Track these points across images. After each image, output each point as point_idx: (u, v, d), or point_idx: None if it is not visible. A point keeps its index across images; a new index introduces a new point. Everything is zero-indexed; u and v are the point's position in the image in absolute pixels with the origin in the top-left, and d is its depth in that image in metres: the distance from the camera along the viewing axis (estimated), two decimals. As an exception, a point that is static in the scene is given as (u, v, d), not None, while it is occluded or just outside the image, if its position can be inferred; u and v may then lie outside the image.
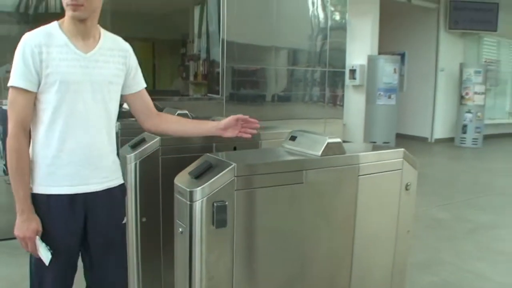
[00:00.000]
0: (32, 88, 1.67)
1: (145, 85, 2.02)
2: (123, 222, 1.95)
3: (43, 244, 1.73)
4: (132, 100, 2.00)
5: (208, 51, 4.88)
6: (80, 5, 1.68)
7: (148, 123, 2.07)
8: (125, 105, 4.30)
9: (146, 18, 5.81)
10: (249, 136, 2.21)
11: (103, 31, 1.86)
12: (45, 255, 1.73)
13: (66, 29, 1.74)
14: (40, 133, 1.73)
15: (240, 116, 2.13)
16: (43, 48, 1.68)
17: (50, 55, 1.68)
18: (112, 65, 1.85)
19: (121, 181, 1.95)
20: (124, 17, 5.50)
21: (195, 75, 5.25)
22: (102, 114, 1.81)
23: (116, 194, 1.91)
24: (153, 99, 4.41)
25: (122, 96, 1.94)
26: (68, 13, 1.71)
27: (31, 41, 1.68)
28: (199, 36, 5.17)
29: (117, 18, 5.34)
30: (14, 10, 3.83)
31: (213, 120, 2.17)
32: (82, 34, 1.76)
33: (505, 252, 4.00)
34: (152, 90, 6.01)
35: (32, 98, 1.69)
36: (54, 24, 1.76)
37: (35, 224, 1.70)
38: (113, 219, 1.90)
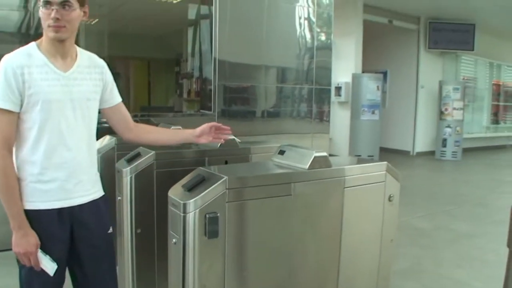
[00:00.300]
0: (15, 108, 1.67)
1: (121, 99, 2.05)
2: (109, 231, 1.96)
3: (47, 256, 1.74)
4: (110, 114, 2.02)
5: (200, 69, 4.91)
6: (62, 27, 1.70)
7: (127, 135, 2.09)
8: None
9: (142, 38, 5.85)
10: (222, 141, 2.32)
11: (79, 49, 1.88)
12: (50, 266, 1.75)
13: (45, 49, 1.75)
14: (25, 151, 1.73)
15: (214, 123, 2.21)
16: (25, 69, 1.68)
17: (31, 76, 1.68)
18: (90, 82, 1.86)
19: (102, 193, 1.97)
20: (121, 38, 5.57)
21: (189, 92, 5.29)
22: (83, 130, 1.83)
23: (100, 205, 1.92)
24: (148, 115, 4.55)
25: (100, 111, 1.97)
26: (50, 34, 1.71)
27: (12, 62, 1.68)
28: (192, 55, 5.21)
29: (115, 38, 5.42)
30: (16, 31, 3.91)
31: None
32: (61, 54, 1.77)
33: (484, 260, 4.08)
34: (147, 106, 6.11)
35: (15, 119, 1.69)
36: (32, 45, 1.76)
37: (34, 238, 1.71)
38: (99, 229, 1.91)
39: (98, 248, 1.90)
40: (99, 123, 4.03)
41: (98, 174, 1.98)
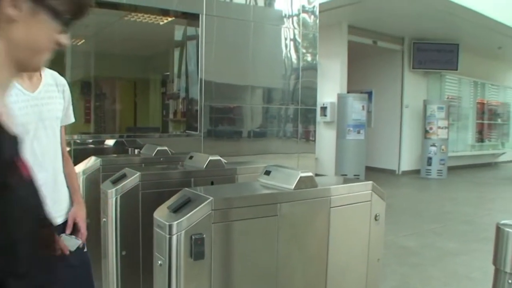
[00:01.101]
0: None
1: (74, 120, 2.01)
2: (85, 250, 1.94)
3: (73, 236, 1.80)
4: None
5: (187, 90, 4.92)
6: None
7: None
8: (107, 142, 4.37)
9: (128, 59, 5.86)
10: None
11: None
12: (73, 244, 1.79)
13: None
14: None
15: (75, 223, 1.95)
16: None
17: None
18: (56, 100, 1.86)
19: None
20: (107, 58, 5.58)
21: (175, 113, 5.31)
22: (55, 149, 1.83)
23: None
24: (134, 136, 4.53)
25: None
26: None
27: None
28: (179, 76, 5.24)
29: (101, 59, 5.44)
30: None
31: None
32: (28, 74, 1.75)
33: (471, 277, 4.12)
34: (133, 127, 6.07)
35: None
36: None
37: None
38: (76, 248, 1.87)
39: (77, 268, 1.87)
40: (83, 144, 4.02)
41: (68, 192, 1.95)
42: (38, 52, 0.87)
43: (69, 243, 1.79)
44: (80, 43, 5.15)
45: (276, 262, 2.05)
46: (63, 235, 1.76)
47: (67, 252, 1.78)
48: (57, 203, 1.81)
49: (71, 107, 1.99)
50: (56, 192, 1.81)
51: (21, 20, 0.81)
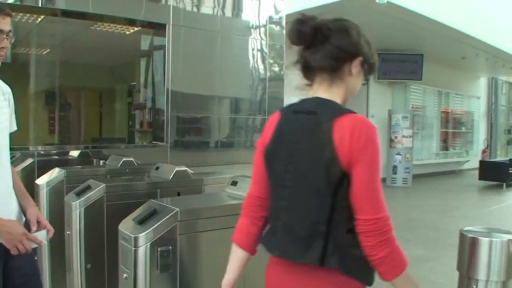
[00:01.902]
0: None
1: (16, 128, 1.92)
2: (35, 258, 1.89)
3: (44, 230, 1.76)
4: None
5: (153, 100, 4.89)
6: (2, 56, 1.66)
7: None
8: (71, 153, 4.27)
9: (94, 69, 5.77)
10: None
11: None
12: (43, 238, 1.76)
13: None
14: None
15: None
16: None
17: None
18: (4, 110, 1.79)
19: (24, 218, 1.88)
20: (72, 68, 5.48)
21: (141, 123, 5.25)
22: (6, 160, 1.77)
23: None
24: (100, 147, 4.46)
25: None
26: None
27: None
28: (145, 86, 5.19)
29: (66, 68, 5.33)
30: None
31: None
32: None
33: (440, 283, 4.18)
34: (98, 138, 5.96)
35: None
36: None
37: (14, 223, 1.66)
38: (29, 256, 1.80)
39: (30, 276, 1.81)
40: (47, 155, 3.93)
41: (17, 201, 1.88)
42: (352, 94, 1.49)
43: (41, 237, 1.76)
44: (45, 52, 5.04)
45: (244, 273, 2.04)
46: (33, 232, 1.73)
47: (43, 245, 1.78)
48: (10, 215, 1.75)
49: (14, 115, 1.90)
50: (9, 205, 1.75)
51: (354, 75, 1.44)
